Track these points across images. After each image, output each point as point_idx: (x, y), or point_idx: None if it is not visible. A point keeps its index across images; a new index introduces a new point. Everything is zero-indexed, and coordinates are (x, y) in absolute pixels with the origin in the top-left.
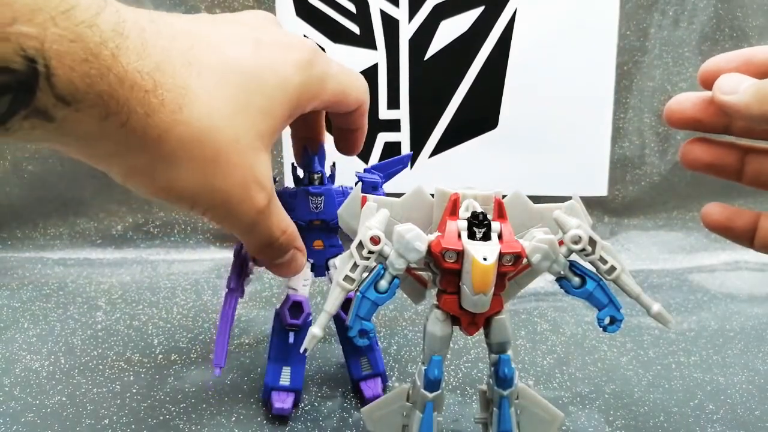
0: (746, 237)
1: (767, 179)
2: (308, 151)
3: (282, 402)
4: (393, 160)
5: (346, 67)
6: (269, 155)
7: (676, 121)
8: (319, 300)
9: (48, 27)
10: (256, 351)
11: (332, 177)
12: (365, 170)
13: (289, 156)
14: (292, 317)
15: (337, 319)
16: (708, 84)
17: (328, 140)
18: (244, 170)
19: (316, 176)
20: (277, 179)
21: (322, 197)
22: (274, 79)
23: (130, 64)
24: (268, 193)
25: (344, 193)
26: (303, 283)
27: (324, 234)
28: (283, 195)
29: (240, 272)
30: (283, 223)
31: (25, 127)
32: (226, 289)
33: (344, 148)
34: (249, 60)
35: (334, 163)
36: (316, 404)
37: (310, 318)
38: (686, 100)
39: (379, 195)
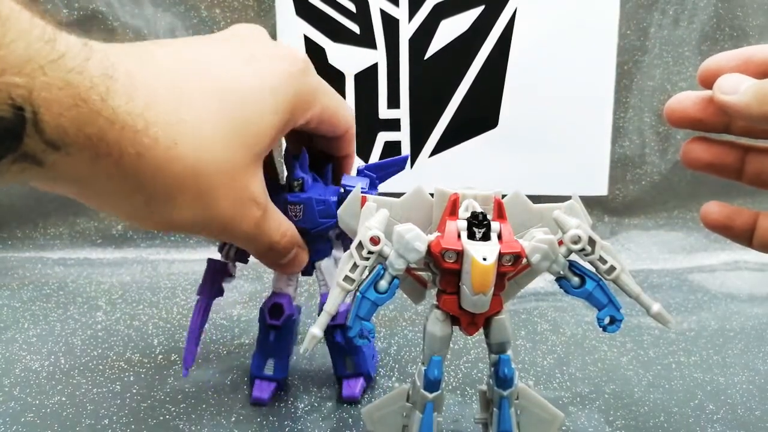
0: (745, 236)
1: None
2: (290, 156)
3: (261, 391)
4: (390, 162)
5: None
6: (261, 168)
7: (677, 120)
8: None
9: (37, 76)
10: None
11: (327, 172)
12: (359, 170)
13: None
14: (271, 318)
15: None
16: (708, 83)
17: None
18: (238, 192)
19: (296, 183)
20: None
21: (302, 206)
22: (265, 92)
23: (120, 106)
24: (263, 206)
25: (325, 201)
26: (288, 283)
27: (307, 239)
28: None
29: (212, 282)
30: (282, 226)
31: (14, 171)
32: (198, 296)
33: (335, 177)
34: (240, 77)
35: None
36: (316, 404)
37: (294, 317)
38: (686, 99)
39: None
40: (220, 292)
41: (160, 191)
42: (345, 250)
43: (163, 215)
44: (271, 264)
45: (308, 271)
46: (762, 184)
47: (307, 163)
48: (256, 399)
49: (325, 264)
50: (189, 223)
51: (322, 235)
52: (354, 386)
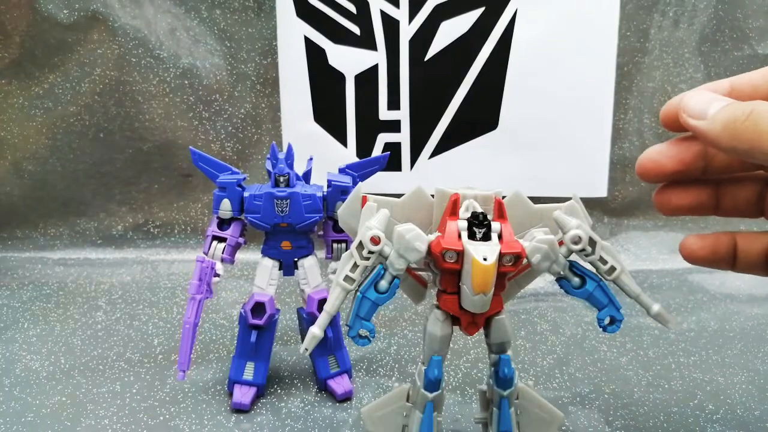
0: (729, 261)
1: (744, 207)
2: (275, 152)
3: (242, 396)
4: (368, 160)
5: None
6: None
7: (654, 177)
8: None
9: None
10: None
11: (308, 172)
12: (340, 170)
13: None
14: (254, 317)
15: (300, 319)
16: (671, 124)
17: (304, 142)
18: None
19: (282, 178)
20: (245, 178)
21: (288, 201)
22: None
23: None
24: None
25: (311, 196)
26: (270, 282)
27: (291, 236)
28: (251, 198)
29: (206, 281)
30: None
31: None
32: (190, 296)
33: None
34: None
35: (311, 158)
36: (316, 405)
37: (275, 318)
38: (658, 155)
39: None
40: (211, 292)
41: None
42: (328, 252)
43: None
44: None
45: (290, 271)
46: (738, 213)
47: (293, 159)
48: (237, 405)
49: (308, 263)
50: None
51: (306, 232)
52: (344, 382)
